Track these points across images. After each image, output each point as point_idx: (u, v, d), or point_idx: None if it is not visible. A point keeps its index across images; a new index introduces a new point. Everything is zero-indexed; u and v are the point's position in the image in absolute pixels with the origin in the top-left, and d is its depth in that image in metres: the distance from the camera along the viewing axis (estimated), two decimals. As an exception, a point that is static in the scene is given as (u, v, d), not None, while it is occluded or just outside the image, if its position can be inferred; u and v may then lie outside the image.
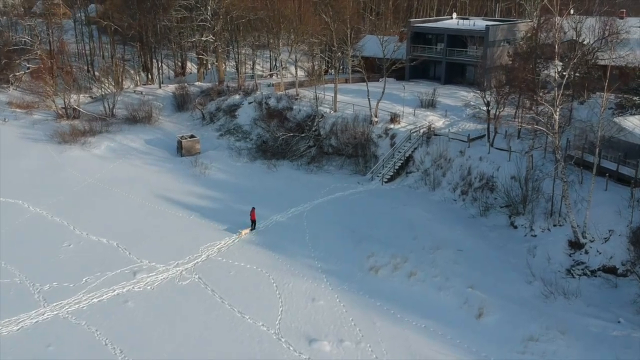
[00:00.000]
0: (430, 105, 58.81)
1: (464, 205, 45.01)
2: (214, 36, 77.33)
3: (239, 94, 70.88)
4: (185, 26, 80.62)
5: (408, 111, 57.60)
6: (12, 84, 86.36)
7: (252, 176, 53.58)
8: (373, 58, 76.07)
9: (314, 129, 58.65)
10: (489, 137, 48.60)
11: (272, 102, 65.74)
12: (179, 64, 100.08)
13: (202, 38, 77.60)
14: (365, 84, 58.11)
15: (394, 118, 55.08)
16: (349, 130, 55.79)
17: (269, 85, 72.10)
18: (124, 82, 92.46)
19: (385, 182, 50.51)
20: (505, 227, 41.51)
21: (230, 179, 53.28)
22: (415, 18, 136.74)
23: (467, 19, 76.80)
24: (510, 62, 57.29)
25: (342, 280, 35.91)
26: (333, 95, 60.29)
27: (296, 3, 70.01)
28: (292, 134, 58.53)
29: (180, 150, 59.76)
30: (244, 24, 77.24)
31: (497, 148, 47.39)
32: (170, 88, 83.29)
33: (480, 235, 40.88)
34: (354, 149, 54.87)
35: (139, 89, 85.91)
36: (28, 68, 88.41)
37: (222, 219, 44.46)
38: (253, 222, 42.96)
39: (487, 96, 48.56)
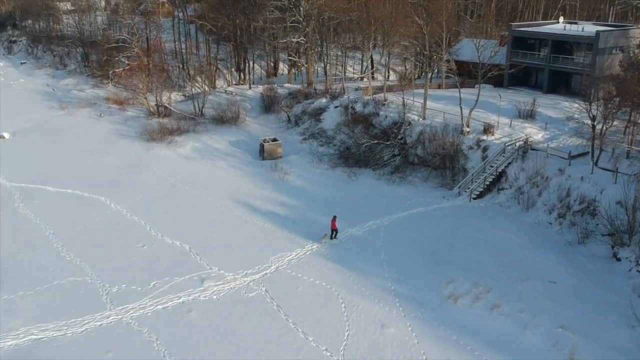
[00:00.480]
0: (529, 116, 54.22)
1: (560, 230, 40.57)
2: (305, 37, 76.19)
3: (326, 97, 69.20)
4: (277, 27, 79.96)
5: (504, 122, 53.41)
6: (111, 79, 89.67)
7: (331, 184, 51.54)
8: (469, 63, 71.91)
9: (399, 136, 55.76)
10: (592, 155, 43.71)
11: (358, 106, 63.49)
12: (271, 64, 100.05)
13: (293, 39, 76.58)
14: (462, 89, 54.28)
15: (488, 129, 51.13)
16: (437, 139, 52.47)
17: (357, 89, 69.90)
18: (216, 82, 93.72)
19: (474, 199, 46.83)
20: (606, 258, 36.84)
21: (309, 186, 51.53)
22: (520, 21, 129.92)
23: (575, 23, 70.76)
24: (622, 73, 51.60)
25: (416, 306, 33.02)
26: (422, 101, 57.06)
27: (390, 4, 66.98)
28: (376, 142, 55.95)
29: (262, 153, 58.84)
30: (335, 26, 75.47)
31: (601, 168, 42.49)
32: (260, 89, 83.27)
33: (576, 266, 36.51)
34: (441, 161, 51.51)
35: (230, 89, 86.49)
36: (127, 65, 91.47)
37: (295, 229, 42.74)
38: (334, 231, 41.02)
39: (592, 109, 43.66)
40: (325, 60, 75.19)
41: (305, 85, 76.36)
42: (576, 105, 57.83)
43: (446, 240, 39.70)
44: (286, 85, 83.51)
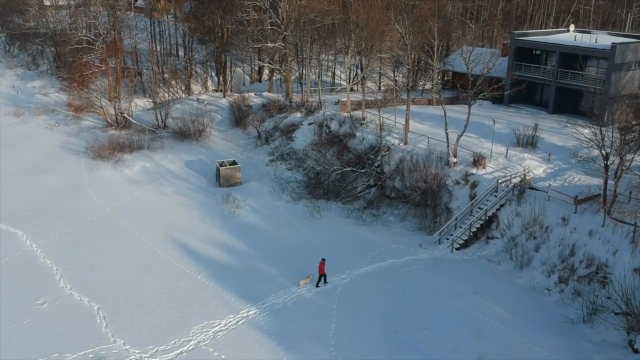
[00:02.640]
0: (530, 144, 45.68)
1: (560, 301, 32.06)
2: (283, 42, 67.91)
3: (301, 112, 60.96)
4: (253, 30, 71.74)
5: (498, 150, 44.93)
6: (78, 83, 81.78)
7: (289, 223, 43.26)
8: (467, 74, 63.33)
9: (376, 164, 47.41)
10: (605, 201, 35.10)
11: (333, 125, 55.21)
12: (256, 69, 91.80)
13: (268, 44, 68.40)
14: (454, 107, 45.55)
15: (478, 160, 42.69)
16: (418, 170, 44.11)
17: (336, 103, 61.58)
18: (193, 87, 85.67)
19: (457, 249, 38.42)
20: (619, 348, 28.35)
21: (263, 224, 43.31)
22: (529, 26, 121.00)
23: (587, 32, 61.94)
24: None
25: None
26: (404, 123, 48.63)
27: (374, 9, 58.34)
28: (349, 169, 47.61)
29: (219, 178, 50.72)
30: (315, 31, 67.15)
31: (616, 219, 33.90)
32: (235, 97, 75.13)
33: (580, 355, 28.06)
34: (422, 196, 43.14)
35: (203, 97, 78.35)
36: (97, 67, 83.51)
37: (234, 285, 34.63)
38: (322, 276, 34.24)
39: (606, 139, 35.09)
40: (302, 69, 66.70)
41: (285, 94, 67.97)
42: (586, 131, 49.68)
43: (415, 312, 31.30)
44: (265, 94, 75.34)
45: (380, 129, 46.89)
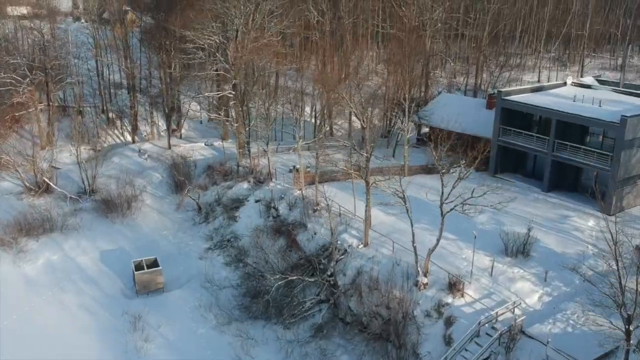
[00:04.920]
0: (521, 252, 36.01)
1: None
2: (233, 89, 57.96)
3: (249, 182, 51.09)
4: (197, 75, 61.88)
5: (482, 263, 35.24)
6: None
7: (211, 366, 33.37)
8: (450, 132, 53.83)
9: (329, 272, 37.58)
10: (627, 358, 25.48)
11: (282, 208, 45.39)
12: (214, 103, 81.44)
13: (210, 94, 58.74)
14: (429, 180, 35.27)
15: (455, 285, 32.92)
16: (379, 290, 34.39)
17: (290, 170, 51.75)
18: (140, 127, 75.34)
19: (426, 423, 28.69)
20: None
21: (176, 369, 33.39)
22: (519, 44, 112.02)
23: (587, 86, 52.30)
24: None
25: None
26: (364, 218, 38.74)
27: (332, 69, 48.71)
28: (295, 277, 37.55)
29: (135, 284, 40.74)
30: (262, 78, 57.49)
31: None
32: (182, 149, 65.09)
33: None
34: (384, 327, 33.36)
35: (145, 147, 68.12)
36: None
37: None
38: None
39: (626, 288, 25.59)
40: (248, 125, 56.48)
41: (237, 148, 57.71)
42: (590, 223, 40.38)
43: None
44: (217, 143, 65.26)
45: (332, 233, 36.86)
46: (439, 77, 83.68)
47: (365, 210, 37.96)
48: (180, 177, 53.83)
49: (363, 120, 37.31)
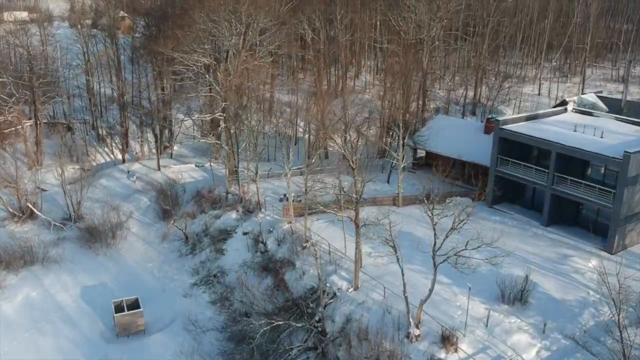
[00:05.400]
0: (519, 299, 34.20)
1: None
2: (223, 112, 56.22)
3: (237, 211, 49.32)
4: (186, 96, 60.14)
5: (477, 312, 33.42)
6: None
7: None
8: (445, 157, 52.17)
9: (317, 317, 35.78)
10: None
11: (270, 242, 43.64)
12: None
13: (200, 116, 57.03)
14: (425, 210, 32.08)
15: (448, 338, 31.14)
16: (369, 340, 32.58)
17: (280, 199, 50.01)
18: (131, 144, 73.65)
19: None
20: None
21: None
22: (519, 52, 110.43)
23: (589, 113, 50.43)
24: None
25: None
26: (355, 259, 36.92)
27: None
28: (281, 322, 35.71)
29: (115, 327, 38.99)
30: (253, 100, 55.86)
31: None
32: (172, 170, 63.40)
33: None
34: (374, 382, 31.59)
35: (134, 168, 66.34)
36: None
37: None
38: None
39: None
40: (237, 151, 54.63)
41: (227, 173, 55.94)
42: (592, 264, 38.63)
43: None
44: (208, 165, 63.36)
45: (319, 278, 35.06)
46: (437, 91, 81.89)
47: (356, 253, 36.15)
48: (166, 206, 51.95)
49: (352, 162, 35.38)
